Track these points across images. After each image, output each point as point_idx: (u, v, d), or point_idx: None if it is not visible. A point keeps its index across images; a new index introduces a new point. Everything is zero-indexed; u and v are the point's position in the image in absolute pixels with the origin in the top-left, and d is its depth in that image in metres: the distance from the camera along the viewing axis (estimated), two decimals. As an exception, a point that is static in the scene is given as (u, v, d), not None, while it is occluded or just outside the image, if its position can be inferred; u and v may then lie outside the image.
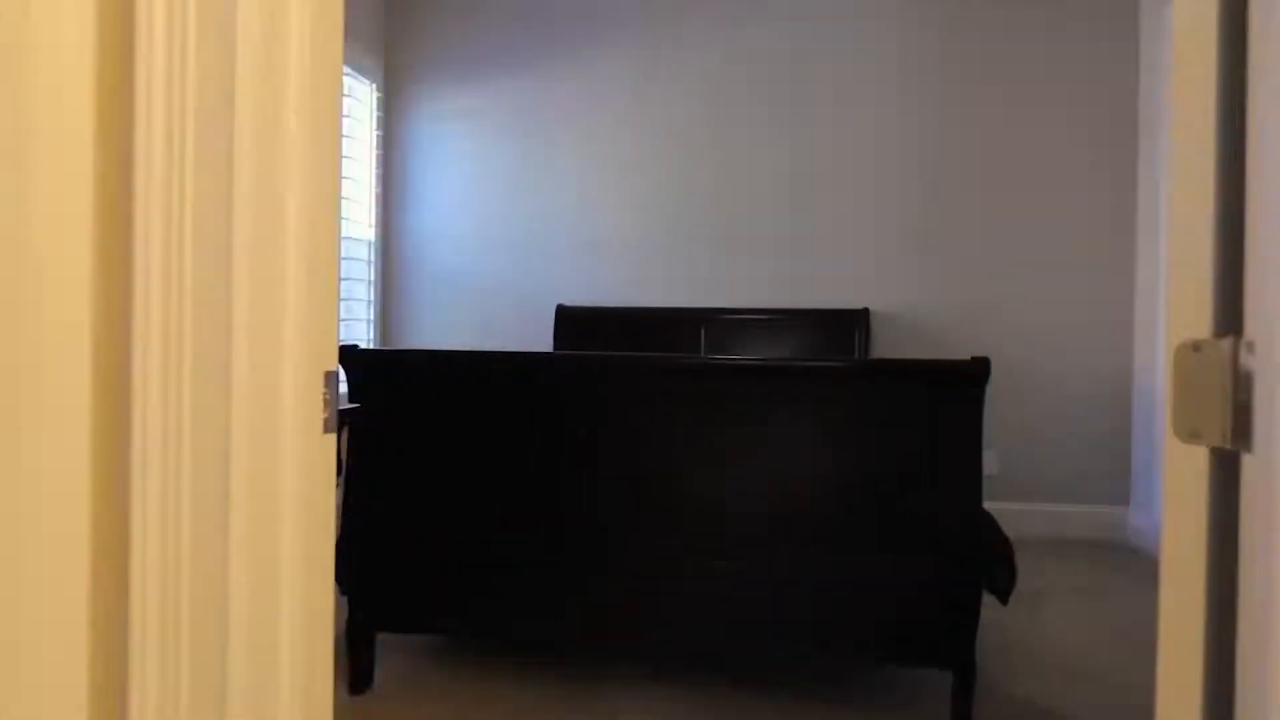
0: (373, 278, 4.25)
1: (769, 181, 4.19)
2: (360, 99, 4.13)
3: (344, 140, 3.80)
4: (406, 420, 2.08)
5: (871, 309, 4.11)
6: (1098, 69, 3.99)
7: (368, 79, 4.16)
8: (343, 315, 3.94)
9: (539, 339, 4.31)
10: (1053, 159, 4.02)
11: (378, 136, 4.28)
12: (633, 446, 2.04)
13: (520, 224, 4.36)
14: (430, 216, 4.41)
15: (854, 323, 4.07)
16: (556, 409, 2.05)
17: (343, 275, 3.89)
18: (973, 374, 1.95)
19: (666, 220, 4.27)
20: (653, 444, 2.03)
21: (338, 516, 2.04)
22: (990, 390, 4.17)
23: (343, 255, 3.92)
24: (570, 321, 4.25)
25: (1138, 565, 3.52)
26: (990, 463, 4.05)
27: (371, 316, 4.25)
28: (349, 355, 2.01)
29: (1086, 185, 4.00)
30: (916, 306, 4.12)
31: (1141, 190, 3.94)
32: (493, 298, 4.38)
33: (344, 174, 3.87)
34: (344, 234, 3.95)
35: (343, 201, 3.91)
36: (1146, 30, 3.90)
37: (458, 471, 2.08)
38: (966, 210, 4.08)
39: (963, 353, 4.03)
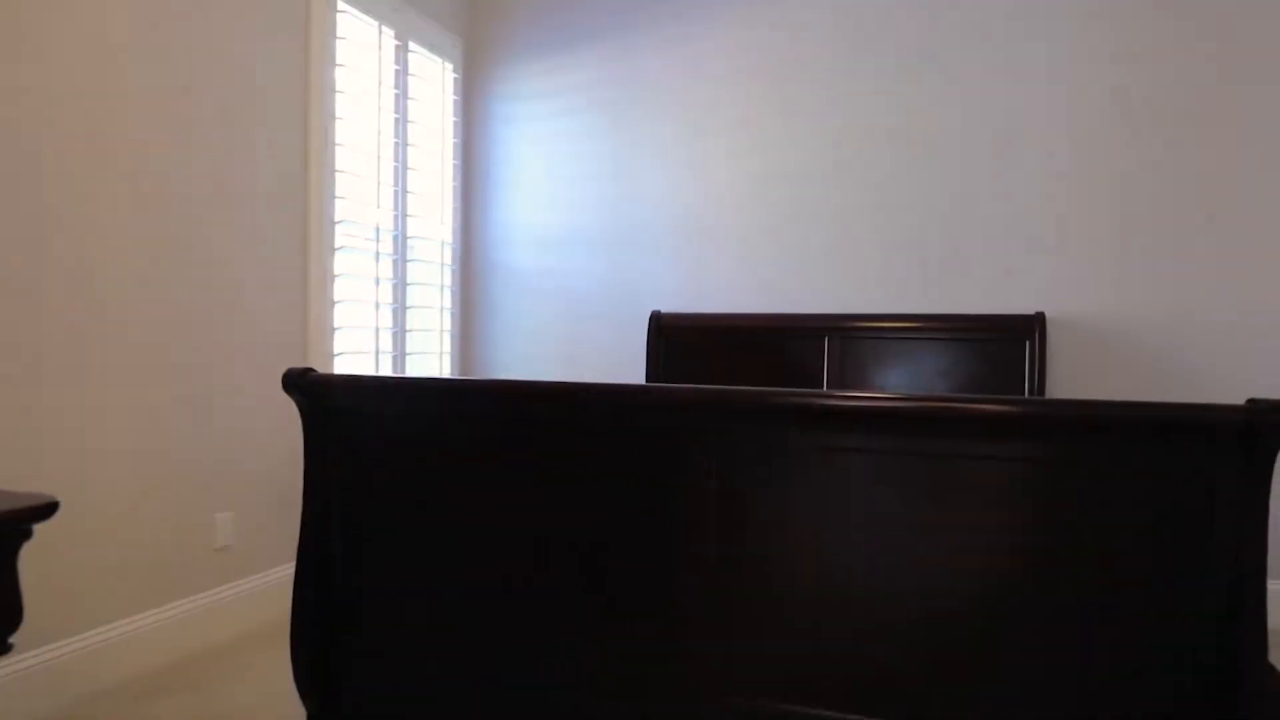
0: (449, 282, 3.79)
1: (912, 154, 3.37)
2: (431, 80, 3.67)
3: (411, 127, 3.36)
4: (374, 471, 1.51)
5: (1048, 315, 3.20)
6: None
7: (440, 57, 3.70)
8: (409, 326, 3.48)
9: (631, 352, 3.70)
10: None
11: (454, 124, 3.82)
12: (682, 528, 1.37)
13: (612, 218, 3.77)
14: (513, 212, 3.91)
15: (1024, 333, 3.18)
16: (582, 471, 1.42)
17: (410, 280, 3.44)
18: (1257, 429, 1.14)
19: (783, 210, 3.54)
20: (718, 529, 1.36)
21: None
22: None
23: (409, 258, 3.47)
24: (667, 332, 3.61)
25: None
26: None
27: (448, 326, 3.78)
28: (296, 381, 1.46)
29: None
30: (1113, 312, 3.15)
31: None
32: (581, 304, 3.82)
33: (410, 165, 3.42)
34: (411, 233, 3.49)
35: (408, 196, 3.47)
36: None
37: (445, 543, 1.49)
38: (1189, 181, 3.07)
39: (1183, 381, 3.04)
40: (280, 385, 1.45)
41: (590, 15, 3.75)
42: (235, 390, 2.63)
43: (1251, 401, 1.16)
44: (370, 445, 1.52)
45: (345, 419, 1.51)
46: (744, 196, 3.59)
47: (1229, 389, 3.00)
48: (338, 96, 2.92)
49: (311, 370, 1.48)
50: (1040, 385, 3.13)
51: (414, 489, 1.51)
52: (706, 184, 3.64)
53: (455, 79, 3.82)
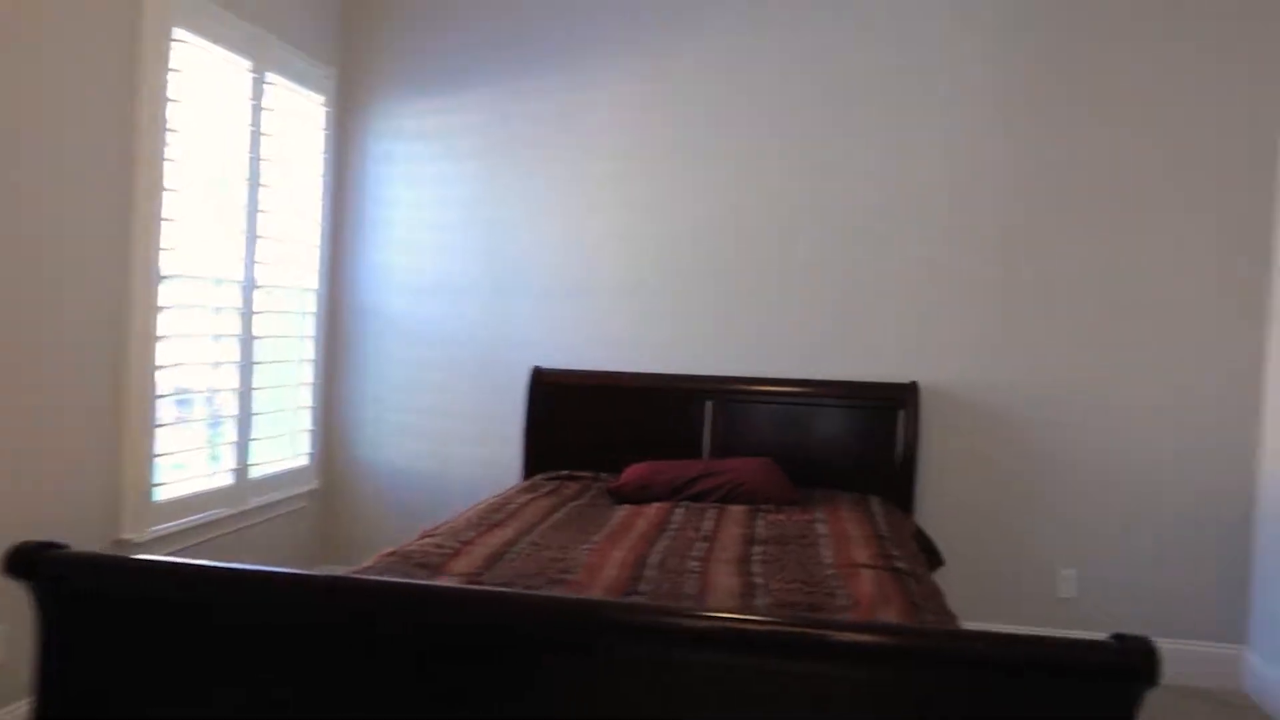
0: (312, 332, 3.33)
1: (797, 223, 3.20)
2: (297, 114, 3.20)
3: (267, 165, 2.86)
4: (136, 671, 1.13)
5: (921, 384, 3.09)
6: (1228, 90, 2.92)
7: (309, 89, 3.24)
8: (258, 383, 2.99)
9: (508, 406, 3.36)
10: (1164, 203, 2.97)
11: (325, 161, 3.36)
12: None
13: (494, 266, 3.42)
14: (388, 255, 3.49)
15: (898, 401, 3.06)
16: (389, 677, 1.08)
17: (263, 333, 2.96)
18: (1125, 671, 0.97)
19: (669, 269, 3.30)
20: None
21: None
22: (1071, 495, 3.10)
23: (262, 309, 2.98)
24: (547, 389, 3.30)
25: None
26: (1068, 585, 3.01)
27: (309, 379, 3.32)
28: (21, 566, 1.06)
29: (1211, 242, 2.95)
30: (979, 382, 3.09)
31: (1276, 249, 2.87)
32: (458, 354, 3.45)
33: (265, 207, 2.95)
34: (266, 282, 3.01)
35: (260, 241, 2.98)
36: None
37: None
38: (1048, 264, 3.04)
39: (1036, 445, 3.01)
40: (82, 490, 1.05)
41: (477, 57, 3.39)
42: (31, 479, 2.11)
43: (1120, 638, 0.99)
44: (132, 636, 1.13)
45: (98, 605, 1.11)
46: (630, 253, 3.32)
47: (1093, 458, 3.00)
48: (173, 135, 2.44)
49: (51, 547, 1.07)
50: (911, 454, 3.02)
51: (183, 682, 1.13)
52: (592, 237, 3.35)
53: (328, 113, 3.36)
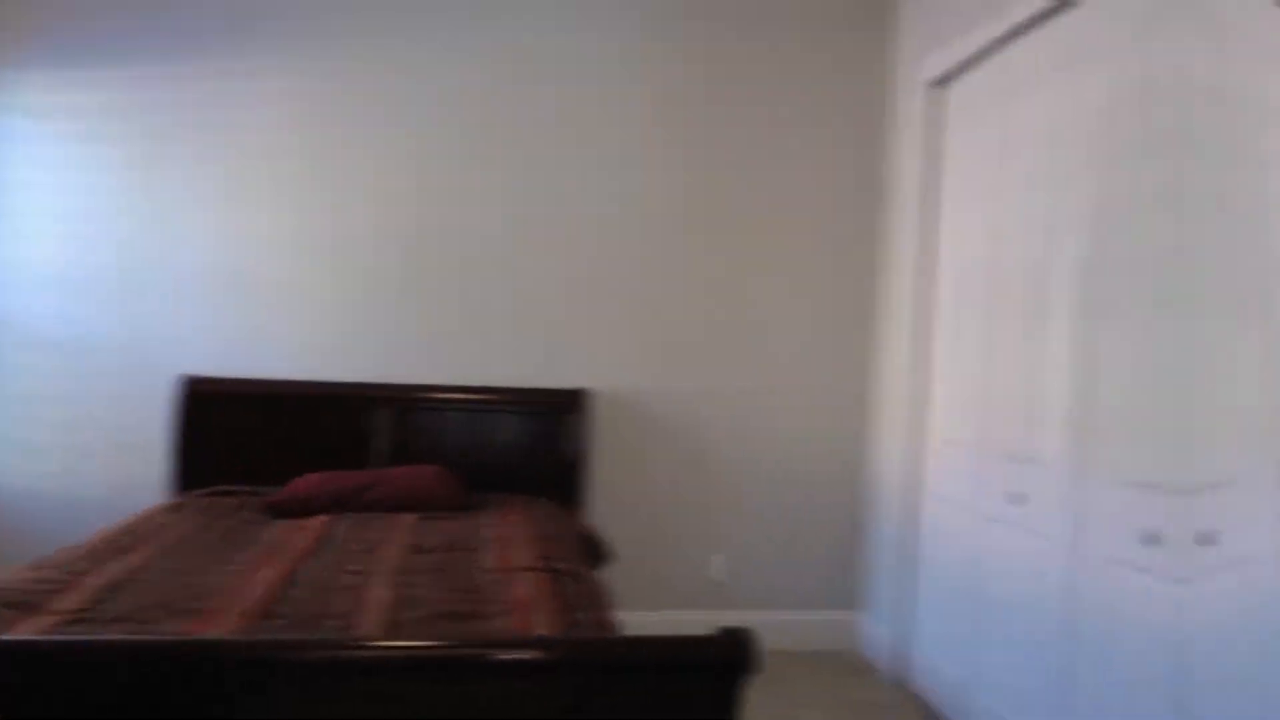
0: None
1: (472, 232, 3.22)
2: None
3: None
4: None
5: (591, 390, 3.28)
6: (844, 130, 3.37)
7: None
8: None
9: (156, 421, 2.98)
10: (797, 232, 3.37)
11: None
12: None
13: (137, 265, 3.03)
14: (3, 248, 2.91)
15: (569, 406, 3.21)
16: None
17: None
18: (723, 662, 1.14)
19: (338, 270, 3.16)
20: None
21: None
22: (720, 488, 3.41)
23: None
24: (200, 399, 2.99)
25: (872, 686, 2.99)
26: (719, 569, 3.38)
27: None
28: None
29: (830, 262, 3.39)
30: (640, 388, 3.34)
31: (881, 270, 3.43)
32: (92, 363, 3.00)
33: None
34: None
35: None
36: (899, 87, 3.47)
37: None
38: (693, 280, 3.33)
39: (689, 445, 3.34)
40: None
41: (125, 30, 3.00)
42: None
43: (726, 630, 1.15)
44: None
45: None
46: (296, 255, 3.13)
47: (735, 456, 3.36)
48: None
49: None
50: (580, 457, 3.15)
51: None
52: (254, 237, 3.11)
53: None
